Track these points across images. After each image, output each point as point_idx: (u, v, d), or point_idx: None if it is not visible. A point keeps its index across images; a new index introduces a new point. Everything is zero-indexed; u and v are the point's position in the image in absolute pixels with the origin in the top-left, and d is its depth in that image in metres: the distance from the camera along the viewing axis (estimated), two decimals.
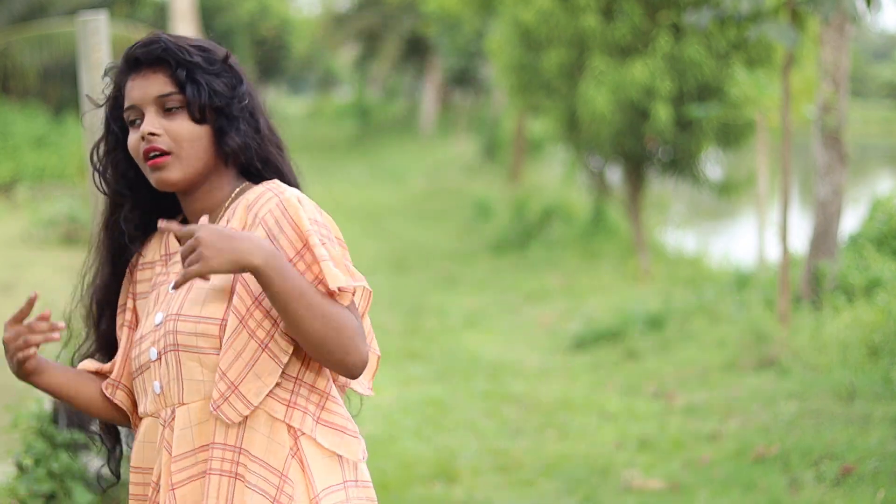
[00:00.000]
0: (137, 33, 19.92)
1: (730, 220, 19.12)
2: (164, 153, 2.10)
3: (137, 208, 2.23)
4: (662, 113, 11.34)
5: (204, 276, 1.96)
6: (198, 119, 2.11)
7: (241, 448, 2.05)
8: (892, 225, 8.99)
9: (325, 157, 24.95)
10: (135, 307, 2.24)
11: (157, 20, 24.20)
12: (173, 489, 2.08)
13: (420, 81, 35.43)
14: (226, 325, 2.05)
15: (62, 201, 14.77)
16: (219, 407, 2.04)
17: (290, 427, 2.07)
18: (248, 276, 2.04)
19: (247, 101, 2.15)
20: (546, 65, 12.21)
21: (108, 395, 2.25)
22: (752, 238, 13.25)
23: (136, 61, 2.14)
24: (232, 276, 2.07)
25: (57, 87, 20.61)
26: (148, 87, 2.11)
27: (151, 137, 2.09)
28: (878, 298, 7.61)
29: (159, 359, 2.12)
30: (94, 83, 4.73)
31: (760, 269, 10.81)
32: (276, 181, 2.16)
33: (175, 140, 2.10)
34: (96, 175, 2.22)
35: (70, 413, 2.32)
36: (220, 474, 2.06)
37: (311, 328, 1.98)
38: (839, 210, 8.57)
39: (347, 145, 29.68)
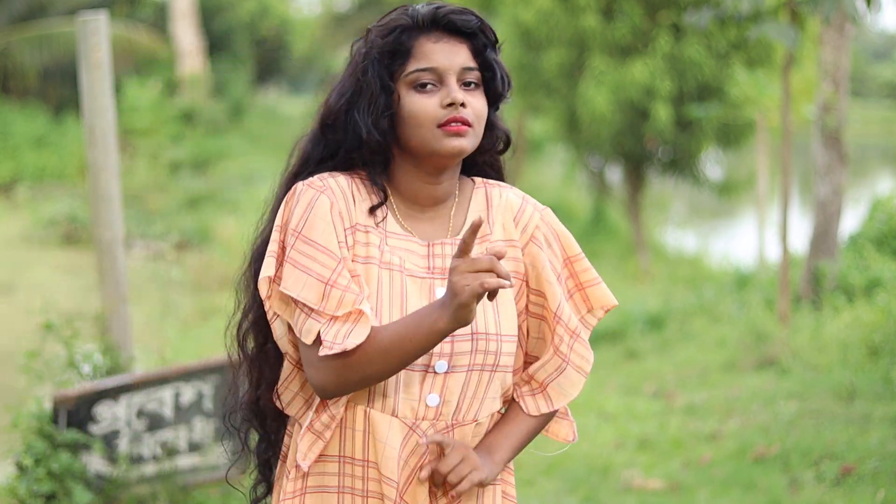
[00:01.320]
0: (137, 33, 19.96)
1: (730, 220, 19.12)
2: (466, 124, 2.05)
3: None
4: (662, 113, 11.34)
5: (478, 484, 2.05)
6: (490, 100, 2.11)
7: None
8: (892, 225, 8.99)
9: None
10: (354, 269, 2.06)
11: (157, 20, 24.20)
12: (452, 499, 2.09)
13: None
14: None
15: (62, 201, 14.77)
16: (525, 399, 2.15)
17: None
18: (535, 284, 2.13)
19: (508, 91, 2.15)
20: (546, 65, 12.21)
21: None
22: (752, 238, 13.25)
23: (447, 25, 2.07)
24: (519, 285, 2.14)
25: (57, 87, 20.62)
26: (455, 56, 2.06)
27: (464, 108, 2.04)
28: (878, 298, 7.61)
29: (448, 374, 2.04)
30: (94, 83, 4.74)
31: (760, 269, 10.81)
32: (503, 184, 2.20)
33: (477, 115, 2.06)
34: (350, 120, 2.08)
35: None
36: (495, 484, 2.16)
37: None
38: (839, 210, 8.57)
39: None
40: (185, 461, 4.63)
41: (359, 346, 1.96)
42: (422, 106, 2.04)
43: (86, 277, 10.65)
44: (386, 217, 2.09)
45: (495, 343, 2.05)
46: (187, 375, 4.64)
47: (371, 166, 2.10)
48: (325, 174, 2.09)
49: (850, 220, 10.26)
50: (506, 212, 2.15)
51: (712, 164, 13.68)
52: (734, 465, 5.58)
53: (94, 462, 4.39)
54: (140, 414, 4.52)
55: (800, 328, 7.67)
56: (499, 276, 1.89)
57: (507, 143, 2.19)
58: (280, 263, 2.04)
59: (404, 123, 2.06)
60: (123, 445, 4.47)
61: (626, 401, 7.06)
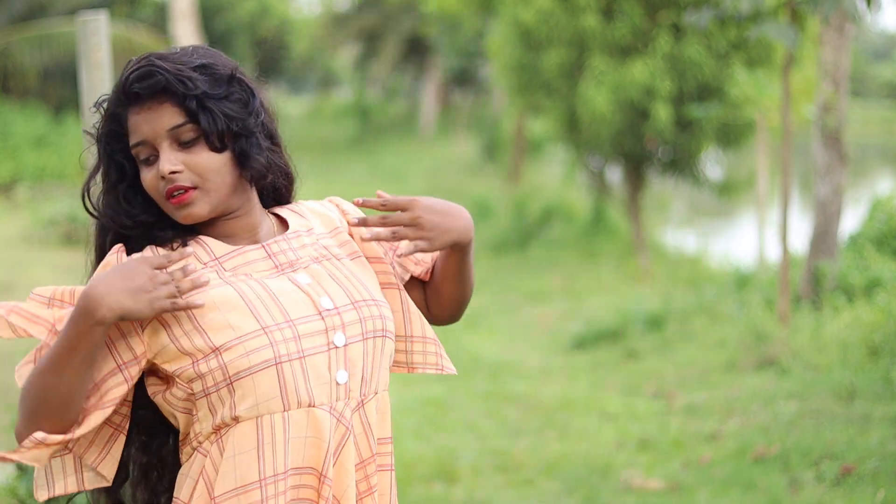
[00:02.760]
0: (137, 33, 19.95)
1: (730, 220, 19.12)
2: (187, 189, 1.96)
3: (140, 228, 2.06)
4: (662, 113, 11.34)
5: (428, 251, 2.04)
6: (217, 148, 1.97)
7: (391, 440, 2.09)
8: (892, 225, 8.99)
9: (325, 157, 24.95)
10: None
11: (157, 20, 24.21)
12: (368, 478, 2.01)
13: (420, 81, 35.43)
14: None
15: (62, 201, 14.77)
16: (443, 367, 2.16)
17: None
18: (372, 252, 2.14)
19: (262, 117, 2.05)
20: (546, 65, 12.21)
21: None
22: (752, 238, 13.25)
23: (137, 95, 1.96)
24: (366, 263, 2.13)
25: (57, 87, 20.63)
26: (157, 121, 1.95)
27: (173, 176, 1.94)
28: (878, 298, 7.61)
29: (347, 346, 1.98)
30: (94, 83, 4.73)
31: (760, 269, 10.81)
32: (300, 203, 2.19)
33: (198, 174, 1.96)
34: (87, 203, 2.06)
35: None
36: (387, 469, 2.07)
37: (469, 283, 2.19)
38: (839, 210, 8.57)
39: (347, 145, 29.68)
40: None
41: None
42: (148, 181, 1.98)
43: (86, 277, 10.64)
44: (209, 248, 2.03)
45: (376, 307, 2.03)
46: None
47: (144, 239, 2.03)
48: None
49: (850, 220, 10.26)
50: (312, 211, 2.16)
51: (712, 164, 13.67)
52: (734, 465, 5.58)
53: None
54: None
55: (800, 328, 7.67)
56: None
57: (290, 186, 2.15)
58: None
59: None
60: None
61: (626, 401, 7.06)
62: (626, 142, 11.92)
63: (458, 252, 2.11)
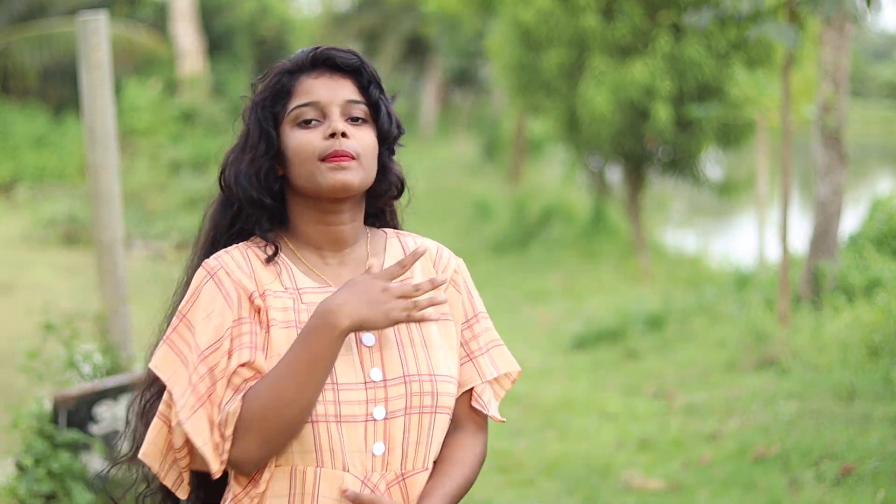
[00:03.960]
0: (137, 33, 19.96)
1: (730, 220, 19.12)
2: (350, 157, 1.99)
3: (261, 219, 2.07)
4: (662, 113, 11.34)
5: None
6: (382, 142, 2.07)
7: None
8: (892, 225, 8.99)
9: None
10: (266, 338, 1.98)
11: (157, 20, 24.19)
12: None
13: (420, 81, 35.44)
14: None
15: (62, 201, 14.77)
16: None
17: None
18: (451, 305, 2.12)
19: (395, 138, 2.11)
20: (546, 65, 12.21)
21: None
22: (752, 238, 13.26)
23: (327, 62, 2.05)
24: (453, 328, 2.10)
25: (57, 87, 20.62)
26: (337, 89, 2.03)
27: (344, 139, 1.99)
28: (878, 298, 7.61)
29: (387, 419, 1.97)
30: (94, 83, 4.73)
31: (760, 269, 10.81)
32: (413, 234, 2.18)
33: (362, 148, 2.01)
34: (232, 177, 2.05)
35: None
36: None
37: None
38: (839, 210, 8.57)
39: None
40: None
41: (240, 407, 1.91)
42: (303, 140, 2.00)
43: (86, 277, 10.64)
44: (293, 275, 2.03)
45: (430, 383, 2.00)
46: None
47: (258, 222, 2.05)
48: (223, 251, 2.03)
49: (850, 220, 10.26)
50: (424, 259, 2.12)
51: (712, 164, 13.67)
52: (734, 465, 5.58)
53: (94, 462, 4.39)
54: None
55: (800, 328, 7.67)
56: (425, 306, 1.93)
57: (401, 189, 2.15)
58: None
59: (290, 163, 2.02)
60: (123, 445, 4.46)
61: (626, 401, 7.06)
62: (626, 142, 11.92)
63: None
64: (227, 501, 2.02)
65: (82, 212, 13.54)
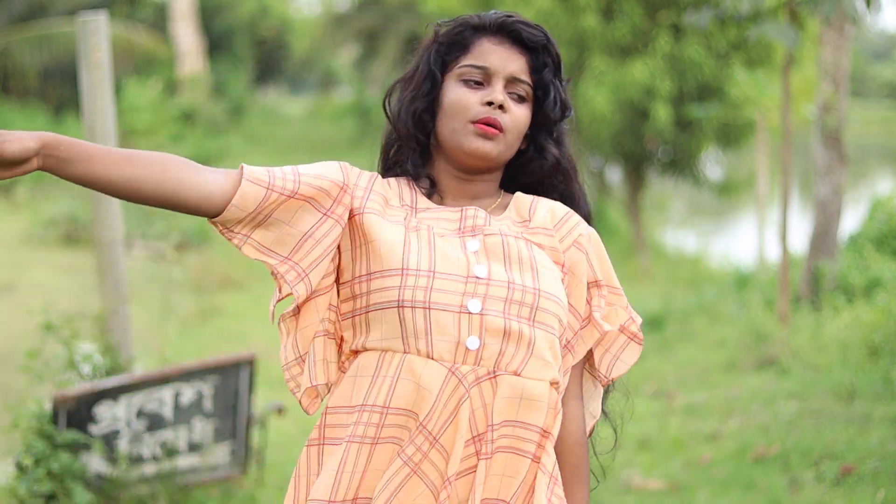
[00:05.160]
0: (137, 33, 19.96)
1: (730, 220, 19.12)
2: (499, 129, 2.04)
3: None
4: (662, 113, 11.34)
5: None
6: (537, 120, 2.11)
7: (549, 433, 2.02)
8: (892, 225, 8.99)
9: (325, 157, 24.93)
10: (360, 222, 2.04)
11: (157, 20, 24.20)
12: (490, 456, 1.95)
13: None
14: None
15: (62, 201, 14.77)
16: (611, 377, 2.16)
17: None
18: (572, 265, 2.10)
19: (567, 127, 2.17)
20: None
21: (281, 271, 2.01)
22: (752, 238, 13.26)
23: (513, 33, 2.10)
24: (560, 277, 2.07)
25: (57, 87, 20.63)
26: (510, 61, 2.07)
27: (500, 111, 2.04)
28: (878, 298, 7.61)
29: (484, 315, 1.96)
30: (94, 83, 4.73)
31: (760, 269, 10.81)
32: (548, 200, 2.16)
33: (514, 123, 2.06)
34: (395, 107, 2.15)
35: None
36: (525, 455, 1.99)
37: None
38: (839, 210, 8.57)
39: (347, 145, 29.68)
40: (184, 461, 4.62)
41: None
42: (461, 96, 2.05)
43: (86, 277, 10.64)
44: (416, 198, 2.10)
45: (532, 296, 1.99)
46: (187, 375, 4.64)
47: (409, 153, 2.12)
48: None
49: (850, 220, 10.26)
50: (551, 212, 2.12)
51: (712, 164, 13.68)
52: (734, 465, 5.58)
53: (94, 462, 4.39)
54: (140, 414, 4.52)
55: (800, 328, 7.67)
56: None
57: (558, 165, 2.17)
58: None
59: (442, 112, 2.07)
60: (123, 445, 4.47)
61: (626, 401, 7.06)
62: (626, 142, 11.92)
63: None
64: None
65: (82, 212, 13.54)
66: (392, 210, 2.06)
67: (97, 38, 4.69)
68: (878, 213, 9.25)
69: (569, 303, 2.08)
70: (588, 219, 2.18)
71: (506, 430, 1.95)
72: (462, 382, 1.94)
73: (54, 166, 1.84)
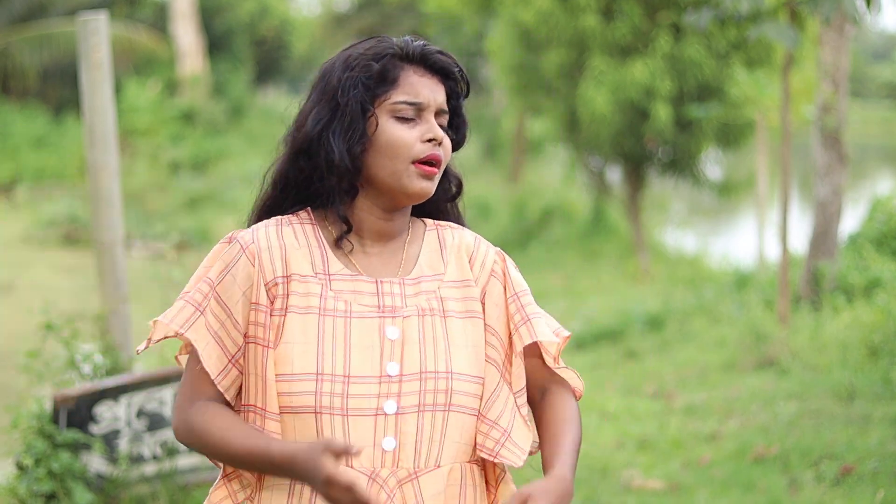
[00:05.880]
0: (137, 33, 19.96)
1: (730, 220, 19.12)
2: (440, 164, 2.02)
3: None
4: (662, 113, 11.34)
5: None
6: (455, 145, 2.09)
7: None
8: (891, 225, 8.99)
9: None
10: (280, 323, 1.96)
11: (157, 20, 24.20)
12: None
13: None
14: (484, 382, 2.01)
15: (62, 201, 14.78)
16: (498, 453, 1.99)
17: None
18: (494, 322, 2.03)
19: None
20: (546, 65, 12.22)
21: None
22: (752, 238, 13.26)
23: (433, 64, 2.04)
24: (482, 327, 2.03)
25: (57, 87, 20.65)
26: (436, 92, 2.03)
27: (440, 148, 2.01)
28: (878, 298, 7.61)
29: (399, 414, 1.93)
30: (94, 83, 4.74)
31: (760, 269, 10.81)
32: (455, 225, 2.13)
33: (446, 156, 2.03)
34: (321, 139, 2.00)
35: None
36: None
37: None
38: (839, 210, 8.57)
39: None
40: (185, 461, 4.63)
41: (198, 419, 1.94)
42: (402, 136, 1.98)
43: (86, 277, 10.65)
44: (327, 258, 2.00)
45: (445, 381, 1.95)
46: None
47: (337, 195, 2.01)
48: (261, 224, 2.03)
49: (850, 220, 10.26)
50: (459, 251, 2.08)
51: (712, 164, 13.68)
52: (734, 466, 5.58)
53: (95, 462, 4.39)
54: (140, 414, 4.52)
55: (799, 328, 7.67)
56: None
57: (459, 189, 2.14)
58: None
59: (379, 152, 1.99)
60: (123, 445, 4.47)
61: (626, 401, 7.06)
62: (626, 142, 11.93)
63: None
64: (218, 480, 2.02)
65: (82, 212, 13.55)
66: (307, 285, 1.98)
67: (97, 38, 4.69)
68: (877, 214, 9.25)
69: (489, 325, 2.05)
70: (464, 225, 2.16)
71: None
72: (383, 488, 1.92)
73: None
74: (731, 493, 5.24)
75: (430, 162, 1.99)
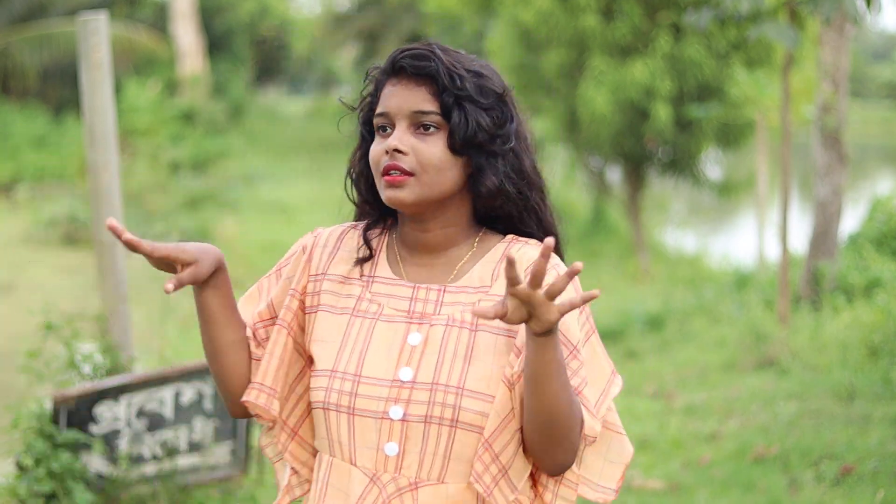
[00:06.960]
0: (137, 33, 19.96)
1: (730, 220, 19.12)
2: (405, 173, 1.94)
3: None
4: (662, 113, 11.35)
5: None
6: (455, 149, 1.95)
7: None
8: (891, 225, 9.00)
9: (324, 157, 24.96)
10: (303, 319, 2.05)
11: (157, 20, 24.21)
12: None
13: None
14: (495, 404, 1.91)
15: (62, 201, 14.78)
16: (492, 492, 1.91)
17: None
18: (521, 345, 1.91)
19: (513, 143, 2.00)
20: (546, 65, 12.22)
21: (249, 398, 2.04)
22: (752, 238, 13.26)
23: (402, 69, 1.98)
24: (506, 341, 1.94)
25: (57, 87, 20.65)
26: (407, 100, 1.96)
27: (396, 154, 1.94)
28: (878, 298, 7.62)
29: (405, 422, 1.91)
30: (94, 83, 4.74)
31: (760, 269, 10.82)
32: (532, 241, 2.03)
33: (421, 163, 1.94)
34: (349, 182, 2.08)
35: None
36: None
37: (559, 409, 1.85)
38: (839, 210, 8.57)
39: (347, 145, 29.66)
40: (185, 461, 4.63)
41: None
42: (372, 151, 1.99)
43: (86, 277, 10.65)
44: (376, 263, 2.04)
45: (454, 396, 1.90)
46: (187, 375, 4.64)
47: (361, 216, 2.09)
48: (339, 225, 2.12)
49: (850, 220, 10.26)
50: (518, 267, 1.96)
51: (712, 164, 13.69)
52: (734, 466, 5.58)
53: (95, 462, 4.39)
54: (140, 414, 4.52)
55: (799, 328, 7.67)
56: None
57: (499, 194, 1.99)
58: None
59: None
60: (123, 445, 4.47)
61: (626, 401, 7.06)
62: (626, 142, 11.93)
63: (549, 343, 1.81)
64: (286, 479, 2.14)
65: (82, 212, 13.54)
66: (349, 286, 2.04)
67: (97, 38, 4.69)
68: (877, 214, 9.25)
69: (518, 346, 1.93)
70: (553, 234, 2.07)
71: None
72: (382, 492, 1.93)
73: (211, 285, 1.99)
74: (731, 493, 5.24)
75: (388, 171, 1.95)
